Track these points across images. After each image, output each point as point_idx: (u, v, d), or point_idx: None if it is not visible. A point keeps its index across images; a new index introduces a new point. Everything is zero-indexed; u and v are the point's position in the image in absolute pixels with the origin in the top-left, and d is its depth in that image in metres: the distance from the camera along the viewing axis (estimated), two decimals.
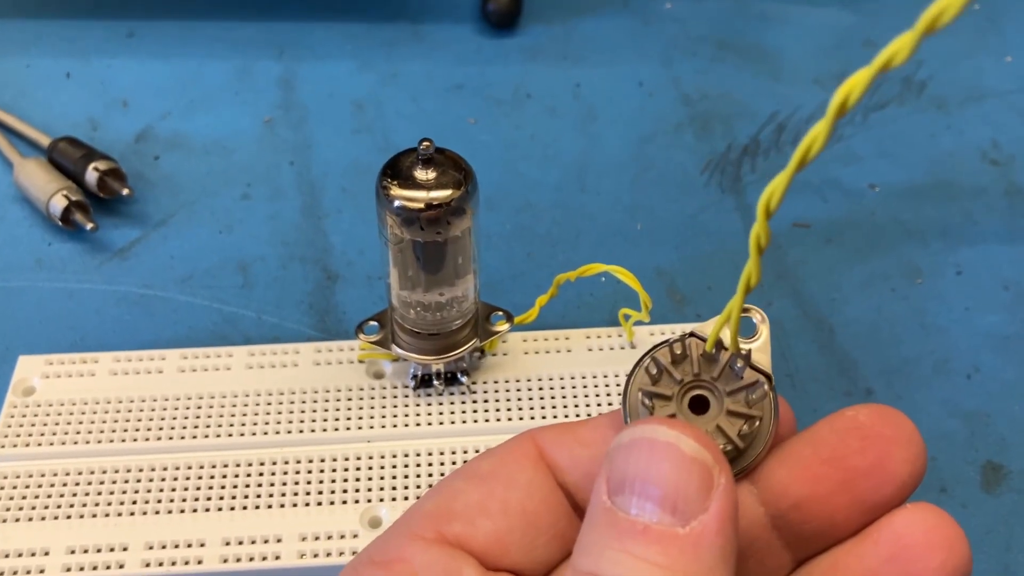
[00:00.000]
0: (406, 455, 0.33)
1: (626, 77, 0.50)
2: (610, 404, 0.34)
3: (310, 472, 0.33)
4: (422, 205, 0.30)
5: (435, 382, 0.34)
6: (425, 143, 0.29)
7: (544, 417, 0.34)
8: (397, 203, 0.30)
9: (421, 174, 0.30)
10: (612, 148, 0.47)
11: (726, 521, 0.18)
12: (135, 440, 0.33)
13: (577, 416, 0.34)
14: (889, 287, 0.40)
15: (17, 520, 0.31)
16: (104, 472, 0.33)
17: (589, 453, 0.21)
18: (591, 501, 0.19)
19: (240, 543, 0.31)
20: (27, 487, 0.32)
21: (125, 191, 0.42)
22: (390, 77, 0.50)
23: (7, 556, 0.30)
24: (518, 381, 0.35)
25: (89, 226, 0.41)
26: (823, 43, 0.52)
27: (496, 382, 0.35)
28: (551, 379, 0.35)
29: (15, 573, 0.30)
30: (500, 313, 0.35)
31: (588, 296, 0.40)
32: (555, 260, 0.41)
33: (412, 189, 0.30)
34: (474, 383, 0.35)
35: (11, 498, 0.32)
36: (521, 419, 0.34)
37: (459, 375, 0.35)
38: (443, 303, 0.32)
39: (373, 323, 0.35)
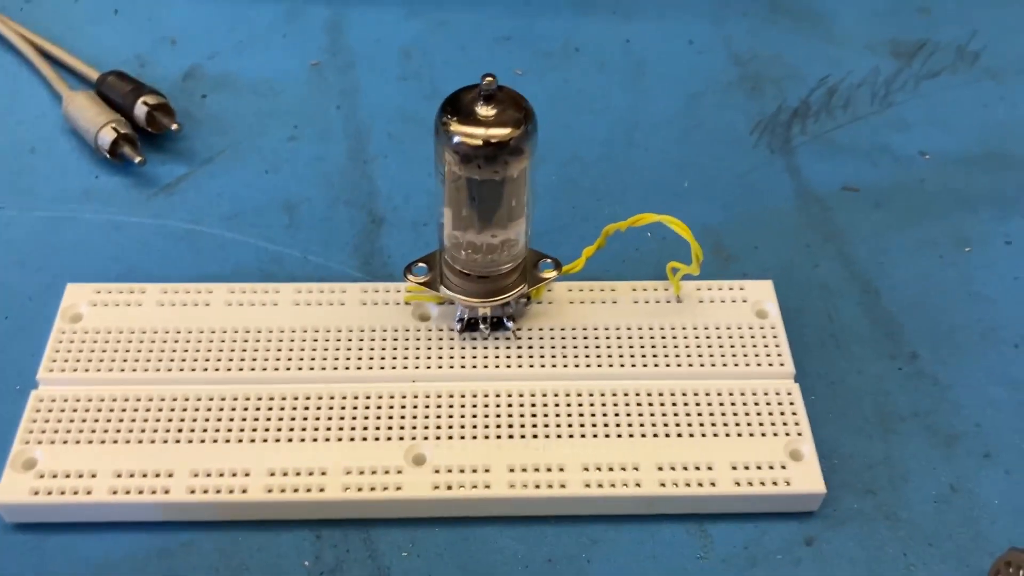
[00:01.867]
0: (451, 396, 0.33)
1: (676, 34, 0.49)
2: (655, 357, 0.34)
3: (355, 408, 0.33)
4: (481, 142, 0.30)
5: (481, 326, 0.34)
6: (488, 78, 0.29)
7: (588, 366, 0.34)
8: (456, 139, 0.30)
9: (482, 110, 0.30)
10: (661, 105, 0.46)
11: None
12: (181, 370, 0.34)
13: (622, 367, 0.34)
14: (937, 254, 0.40)
15: (65, 442, 0.32)
16: (151, 400, 0.33)
17: None
18: None
19: (285, 474, 0.31)
20: (75, 411, 0.32)
21: (174, 126, 0.42)
22: (438, 25, 0.49)
23: (55, 476, 0.31)
24: (563, 329, 0.35)
25: (137, 159, 0.41)
26: (877, 8, 0.51)
27: (541, 329, 0.35)
28: (596, 329, 0.35)
29: (62, 493, 0.31)
30: (548, 260, 0.35)
31: (633, 251, 0.39)
32: (600, 214, 0.41)
33: (472, 126, 0.30)
34: (519, 329, 0.35)
35: (59, 421, 0.32)
36: (565, 366, 0.34)
37: (505, 320, 0.34)
38: (495, 245, 0.32)
39: (422, 264, 0.34)
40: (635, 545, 0.31)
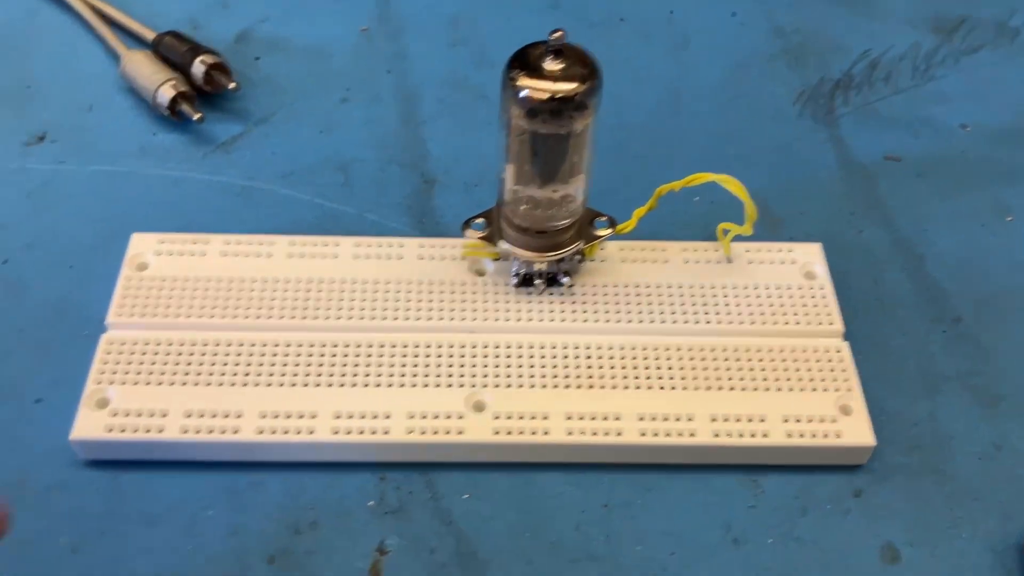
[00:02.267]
0: (508, 347, 0.34)
1: (719, 6, 0.50)
2: (706, 314, 0.35)
3: (416, 356, 0.34)
4: (547, 96, 0.30)
5: (536, 282, 0.35)
6: (557, 33, 0.30)
7: (641, 321, 0.35)
8: (523, 93, 0.30)
9: (549, 65, 0.30)
10: (704, 75, 0.47)
11: None
12: (246, 318, 0.35)
13: (674, 323, 0.35)
14: (979, 223, 0.41)
15: (135, 383, 0.33)
16: (217, 345, 0.34)
17: None
18: None
19: (350, 416, 0.32)
20: (143, 354, 0.33)
21: (231, 84, 0.43)
22: None
23: (127, 415, 0.32)
24: (616, 287, 0.36)
25: (196, 116, 0.42)
26: None
27: (594, 286, 0.36)
28: (648, 287, 0.36)
29: (135, 431, 0.32)
30: (603, 219, 0.36)
31: (682, 214, 0.40)
32: (647, 179, 0.41)
33: (539, 80, 0.30)
34: (572, 285, 0.36)
35: (129, 363, 0.33)
36: (619, 322, 0.35)
37: (560, 276, 0.35)
38: (555, 200, 0.33)
39: (480, 220, 0.35)
40: (688, 493, 0.32)
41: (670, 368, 0.34)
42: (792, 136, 0.44)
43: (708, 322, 0.35)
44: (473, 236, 0.35)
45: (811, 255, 0.37)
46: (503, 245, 0.34)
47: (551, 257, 0.34)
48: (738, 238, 0.37)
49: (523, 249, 0.34)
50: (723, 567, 0.31)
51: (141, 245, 0.37)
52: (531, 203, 0.33)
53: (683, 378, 0.33)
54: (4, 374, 0.35)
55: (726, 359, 0.34)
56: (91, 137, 0.43)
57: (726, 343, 0.34)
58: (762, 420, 0.33)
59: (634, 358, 0.34)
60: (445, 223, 0.40)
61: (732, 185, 0.34)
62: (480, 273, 0.36)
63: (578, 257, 0.36)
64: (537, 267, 0.35)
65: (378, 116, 0.44)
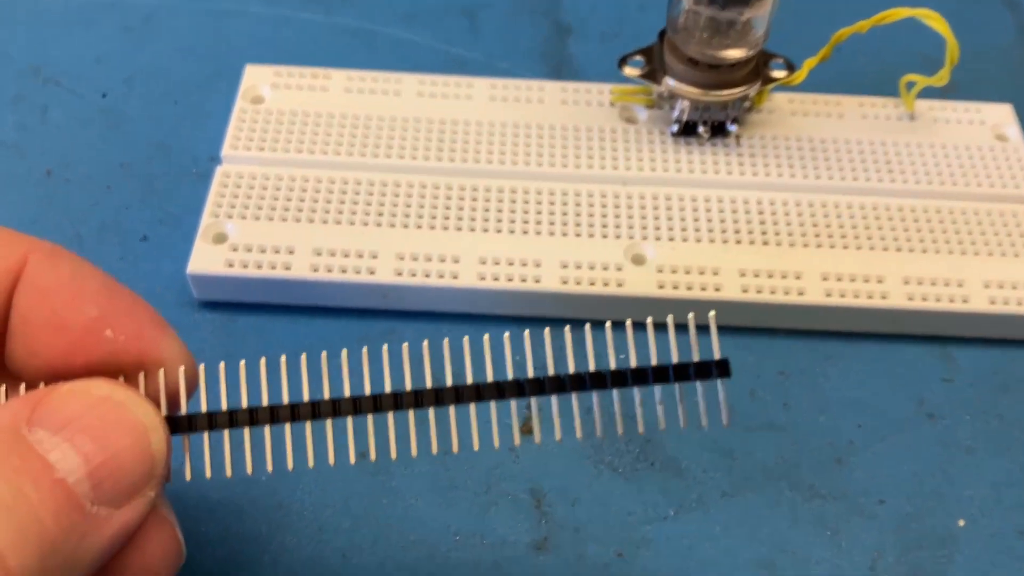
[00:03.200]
0: (668, 199, 0.30)
1: None
2: (889, 172, 0.31)
3: (565, 204, 0.30)
4: None
5: (700, 129, 0.31)
6: None
7: (817, 178, 0.31)
8: None
9: None
10: None
11: (126, 530, 0.17)
12: (375, 156, 0.31)
13: (854, 181, 0.31)
14: None
15: (257, 219, 0.29)
16: (346, 183, 0.30)
17: (83, 320, 0.18)
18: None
19: (497, 263, 0.29)
20: (264, 188, 0.30)
21: None
22: None
23: (249, 251, 0.28)
24: (786, 140, 0.32)
25: None
26: None
27: (763, 138, 0.32)
28: (823, 141, 0.32)
29: (259, 267, 0.28)
30: (780, 60, 0.32)
31: (853, 71, 0.36)
32: (822, 28, 0.37)
33: None
34: (740, 136, 0.32)
35: (248, 197, 0.30)
36: (792, 177, 0.31)
37: (728, 124, 0.32)
38: (737, 25, 0.29)
39: (638, 57, 0.31)
40: (874, 363, 0.29)
41: (854, 227, 0.30)
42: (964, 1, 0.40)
43: (892, 180, 0.31)
44: (632, 73, 0.31)
45: (1002, 116, 0.33)
46: (668, 82, 0.31)
47: (724, 96, 0.30)
48: (929, 91, 0.32)
49: (692, 86, 0.30)
50: (917, 442, 0.27)
51: (256, 77, 0.33)
52: (710, 28, 0.29)
53: (869, 237, 0.30)
54: (106, 210, 0.31)
55: (915, 219, 0.30)
56: None
57: (914, 204, 0.31)
58: (960, 285, 0.29)
59: (813, 215, 0.30)
60: (584, 72, 0.36)
61: (935, 21, 0.30)
62: (631, 121, 0.33)
63: (747, 104, 0.32)
64: (703, 117, 0.31)
65: None
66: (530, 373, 0.20)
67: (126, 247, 0.31)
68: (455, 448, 0.20)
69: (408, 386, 0.20)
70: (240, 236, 0.29)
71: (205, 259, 0.28)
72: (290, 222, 0.29)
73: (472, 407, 0.20)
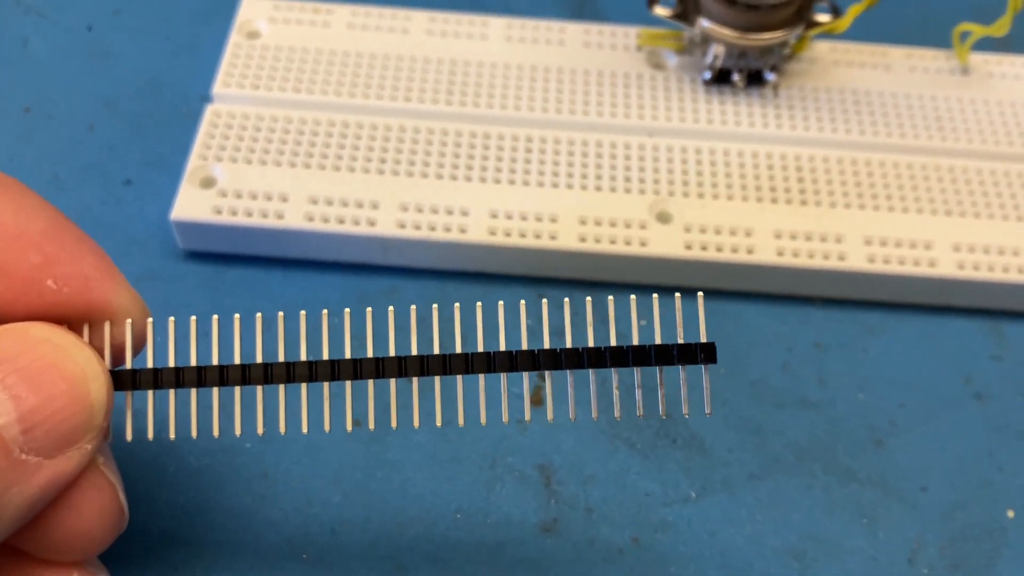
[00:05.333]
0: (699, 152, 0.28)
1: None
2: (940, 130, 0.29)
3: (585, 156, 0.28)
4: None
5: (735, 77, 0.29)
6: None
7: (849, 133, 0.28)
8: None
9: None
10: None
11: (58, 482, 0.16)
12: (379, 98, 0.28)
13: (902, 138, 0.28)
14: None
15: (249, 162, 0.27)
16: (347, 126, 0.28)
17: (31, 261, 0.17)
18: None
19: (509, 217, 0.26)
20: (258, 130, 0.27)
21: None
22: None
23: (239, 197, 0.26)
24: (828, 91, 0.29)
25: None
26: None
27: (802, 88, 0.29)
28: (868, 94, 0.29)
29: (249, 215, 0.26)
30: (824, 3, 0.29)
31: (901, 20, 0.33)
32: None
33: None
34: (778, 86, 0.29)
35: (240, 139, 0.27)
36: (835, 132, 0.28)
37: (765, 72, 0.29)
38: None
39: None
40: (918, 338, 0.26)
41: (900, 188, 0.27)
42: None
43: (943, 139, 0.28)
44: (662, 13, 0.28)
45: None
46: (702, 23, 0.28)
47: (763, 40, 0.28)
48: (986, 43, 0.30)
49: (728, 28, 0.28)
50: (963, 423, 0.25)
51: (253, 10, 0.30)
52: None
53: (917, 199, 0.27)
54: (89, 150, 0.29)
55: (967, 181, 0.28)
56: None
57: (966, 164, 0.28)
58: (1015, 254, 0.26)
59: (856, 174, 0.28)
60: (607, 15, 0.33)
61: None
62: (659, 67, 0.30)
63: (787, 51, 0.29)
64: (738, 59, 0.28)
65: None
66: (546, 341, 0.18)
67: (108, 190, 0.28)
68: (461, 421, 0.18)
69: (414, 349, 0.18)
70: (230, 181, 0.26)
71: (191, 205, 0.26)
72: (284, 167, 0.27)
73: (481, 378, 0.18)
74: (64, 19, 0.32)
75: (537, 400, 0.25)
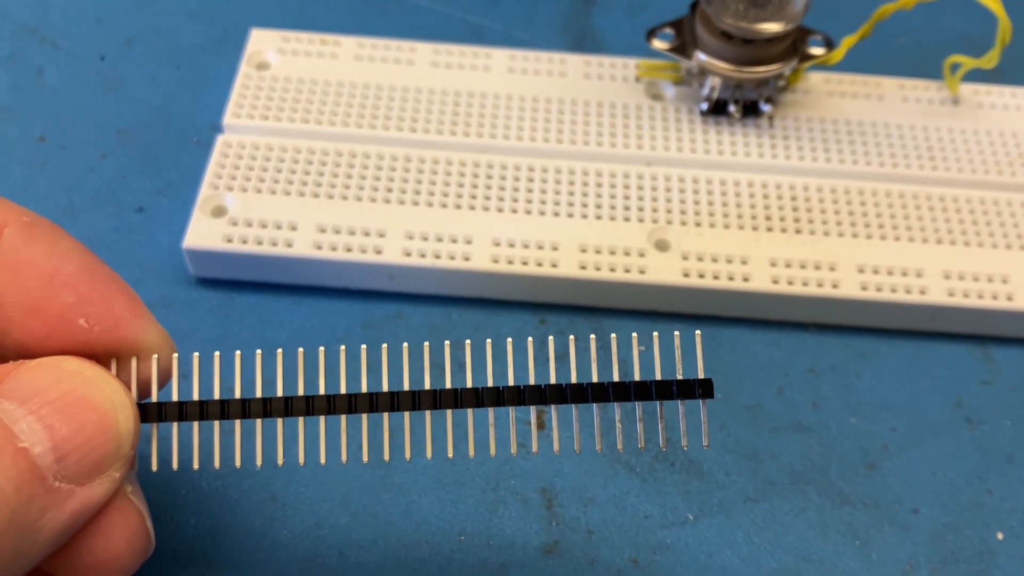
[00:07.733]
0: (696, 181, 0.29)
1: None
2: (931, 159, 0.29)
3: (585, 184, 0.28)
4: None
5: (731, 108, 0.30)
6: None
7: (842, 162, 0.29)
8: None
9: None
10: None
11: (88, 509, 0.16)
12: (386, 129, 0.29)
13: (894, 168, 0.29)
14: None
15: (259, 191, 0.28)
16: (354, 156, 0.29)
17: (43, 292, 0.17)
18: None
19: (512, 245, 0.27)
20: (267, 159, 0.28)
21: None
22: None
23: (249, 225, 0.27)
24: (822, 122, 0.30)
25: None
26: None
27: (797, 119, 0.30)
28: (860, 124, 0.30)
29: (259, 243, 0.27)
30: (818, 37, 0.30)
31: (891, 54, 0.34)
32: (863, 3, 0.35)
33: None
34: (773, 117, 0.30)
35: (251, 168, 0.28)
36: (828, 161, 0.29)
37: (761, 103, 0.30)
38: None
39: (668, 30, 0.30)
40: (910, 363, 0.27)
41: (892, 217, 0.28)
42: None
43: (934, 168, 0.29)
44: (661, 46, 0.29)
45: None
46: (699, 57, 0.29)
47: (759, 73, 0.28)
48: (977, 73, 0.31)
49: (724, 62, 0.28)
50: (954, 448, 0.26)
51: (262, 42, 0.31)
52: None
53: (908, 228, 0.28)
54: (101, 179, 0.30)
55: (957, 210, 0.28)
56: None
57: (957, 193, 0.29)
58: (1004, 281, 0.27)
59: (849, 203, 0.28)
60: (608, 46, 0.34)
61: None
62: (657, 98, 0.31)
63: (781, 83, 0.30)
64: (734, 90, 0.29)
65: None
66: (552, 369, 0.19)
67: (121, 218, 0.29)
68: (471, 452, 0.19)
69: (427, 383, 0.19)
70: (240, 210, 0.27)
71: (202, 233, 0.27)
72: (293, 196, 0.28)
73: (491, 411, 0.19)
74: (78, 50, 0.33)
75: (541, 425, 0.26)
